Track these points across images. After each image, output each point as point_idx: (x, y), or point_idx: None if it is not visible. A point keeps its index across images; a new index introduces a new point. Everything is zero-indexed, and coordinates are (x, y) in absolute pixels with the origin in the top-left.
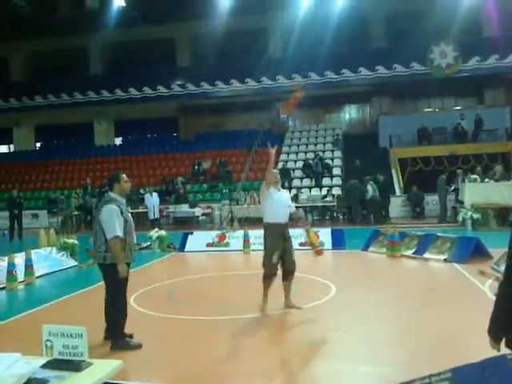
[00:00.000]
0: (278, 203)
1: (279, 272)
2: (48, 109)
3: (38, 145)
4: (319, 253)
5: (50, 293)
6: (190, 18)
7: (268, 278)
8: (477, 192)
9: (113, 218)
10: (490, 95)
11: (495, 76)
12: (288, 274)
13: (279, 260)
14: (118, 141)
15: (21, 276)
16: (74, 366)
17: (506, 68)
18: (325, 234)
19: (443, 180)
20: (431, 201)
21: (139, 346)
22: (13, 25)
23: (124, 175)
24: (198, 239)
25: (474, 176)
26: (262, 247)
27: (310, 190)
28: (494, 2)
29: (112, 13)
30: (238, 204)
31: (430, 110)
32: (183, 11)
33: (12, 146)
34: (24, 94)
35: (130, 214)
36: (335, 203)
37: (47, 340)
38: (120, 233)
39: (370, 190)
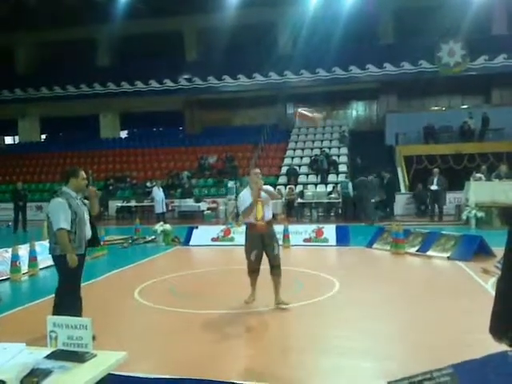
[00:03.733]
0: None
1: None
2: (53, 100)
3: (43, 136)
4: (262, 228)
5: (53, 284)
6: (199, 11)
7: (249, 272)
8: (481, 191)
9: (58, 211)
10: (497, 94)
11: (503, 75)
12: (273, 268)
13: (258, 257)
14: (124, 134)
15: (24, 267)
16: (78, 356)
17: None
18: (329, 231)
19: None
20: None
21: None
22: (18, 15)
23: (83, 172)
24: (203, 233)
25: (479, 175)
26: None
27: (316, 187)
28: (503, 0)
29: (120, 4)
30: None
31: (436, 108)
32: (192, 4)
33: (17, 138)
34: (29, 85)
35: (83, 208)
36: (340, 200)
37: (52, 331)
38: (65, 225)
39: (350, 188)
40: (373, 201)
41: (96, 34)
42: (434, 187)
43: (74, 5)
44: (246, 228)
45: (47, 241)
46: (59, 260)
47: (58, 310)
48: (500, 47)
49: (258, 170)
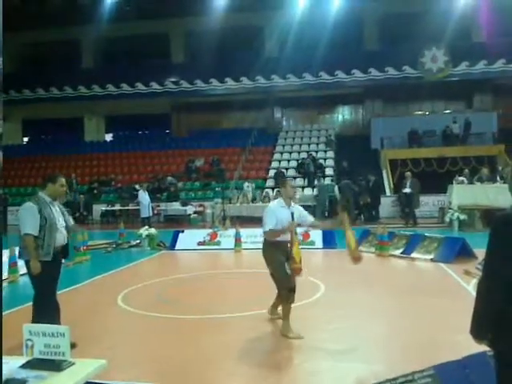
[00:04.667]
0: (281, 222)
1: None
2: (36, 102)
3: (26, 139)
4: (296, 272)
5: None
6: (186, 13)
7: (290, 293)
8: (464, 194)
9: (27, 216)
10: (478, 100)
11: (483, 81)
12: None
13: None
14: (109, 137)
15: (5, 274)
16: (54, 365)
17: (493, 73)
18: (316, 234)
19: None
20: (420, 201)
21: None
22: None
23: (62, 179)
24: (189, 237)
25: (462, 178)
26: (253, 246)
27: (303, 190)
28: (484, 8)
29: (106, 5)
30: (230, 202)
31: (420, 112)
32: (178, 6)
33: None
34: (11, 86)
35: (57, 215)
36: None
37: (28, 339)
38: (31, 231)
39: (336, 191)
40: (361, 203)
41: (81, 36)
42: (406, 190)
43: (58, 5)
44: (265, 243)
45: None
46: (27, 265)
47: (34, 317)
48: (480, 54)
49: (293, 183)
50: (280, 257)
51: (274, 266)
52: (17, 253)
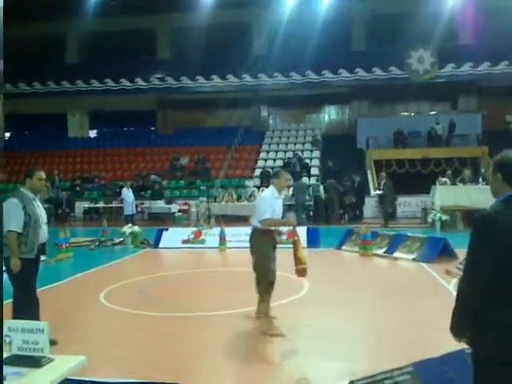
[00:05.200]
0: (275, 212)
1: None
2: (19, 97)
3: (8, 135)
4: (302, 273)
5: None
6: (172, 9)
7: (271, 286)
8: (446, 195)
9: (10, 212)
10: (463, 101)
11: (469, 83)
12: (273, 283)
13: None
14: (93, 133)
15: None
16: (33, 361)
17: (478, 75)
18: (300, 233)
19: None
20: (403, 202)
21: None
22: None
23: (41, 172)
24: (173, 236)
25: (445, 179)
26: (238, 244)
27: (289, 189)
28: (471, 11)
29: (91, 0)
30: (215, 201)
31: (406, 113)
32: (165, 2)
33: None
34: None
35: (39, 210)
36: (312, 202)
37: (6, 335)
38: (15, 227)
39: (321, 190)
40: (347, 203)
41: (65, 30)
42: (379, 191)
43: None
44: (256, 232)
45: None
46: (6, 262)
47: (14, 314)
48: (466, 56)
49: (289, 176)
50: (268, 248)
51: (260, 255)
52: None
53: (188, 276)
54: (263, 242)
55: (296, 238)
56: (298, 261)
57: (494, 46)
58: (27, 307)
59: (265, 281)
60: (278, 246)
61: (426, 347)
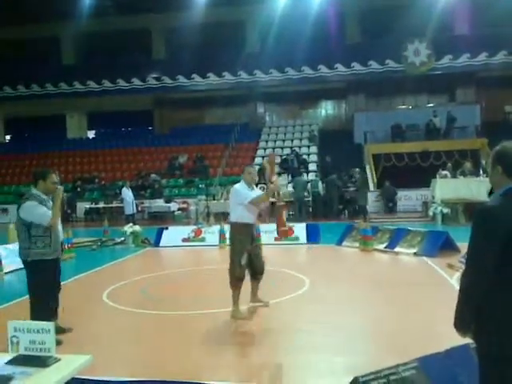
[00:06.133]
0: (250, 204)
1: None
2: (18, 100)
3: (8, 137)
4: (284, 234)
5: (19, 288)
6: (167, 9)
7: (239, 281)
8: (447, 188)
9: (37, 209)
10: (461, 93)
11: (466, 74)
12: (257, 274)
13: (247, 261)
14: (92, 134)
15: None
16: (40, 361)
17: (476, 66)
18: (300, 229)
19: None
20: (403, 196)
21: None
22: None
23: (54, 175)
24: (174, 234)
25: (445, 172)
26: None
27: (287, 186)
28: (466, 1)
29: (85, 1)
30: (214, 199)
31: (403, 106)
32: (160, 2)
33: None
34: None
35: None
36: (310, 198)
37: (13, 336)
38: (49, 215)
39: (320, 186)
40: (348, 198)
41: (61, 31)
42: (351, 188)
43: (37, 1)
44: (231, 228)
45: (12, 244)
46: (31, 266)
47: (32, 314)
48: (463, 47)
49: (253, 169)
50: (240, 244)
51: (231, 251)
52: (2, 251)
53: (190, 274)
54: (235, 239)
55: (282, 203)
56: (281, 223)
57: (491, 35)
58: (46, 308)
59: (232, 276)
60: (276, 241)
61: (429, 342)
